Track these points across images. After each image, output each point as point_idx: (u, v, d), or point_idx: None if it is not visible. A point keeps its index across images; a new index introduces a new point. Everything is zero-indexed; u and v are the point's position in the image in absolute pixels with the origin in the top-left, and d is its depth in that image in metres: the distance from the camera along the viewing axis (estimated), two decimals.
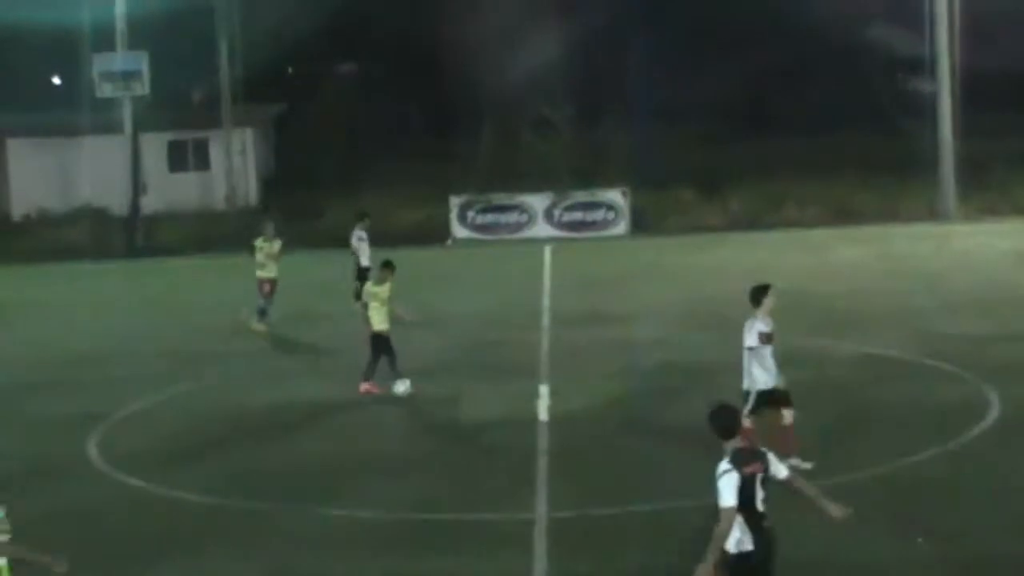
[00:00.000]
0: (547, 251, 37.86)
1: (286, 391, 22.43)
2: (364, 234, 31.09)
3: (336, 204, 46.50)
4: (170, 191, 49.44)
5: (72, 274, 41.12)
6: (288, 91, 58.84)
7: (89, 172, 49.80)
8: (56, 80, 62.22)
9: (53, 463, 18.50)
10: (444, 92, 54.53)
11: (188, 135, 52.03)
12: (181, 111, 54.53)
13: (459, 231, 43.69)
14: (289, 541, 14.86)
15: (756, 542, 10.61)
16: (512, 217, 43.77)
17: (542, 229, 43.16)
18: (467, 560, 14.02)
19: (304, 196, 47.57)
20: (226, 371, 24.45)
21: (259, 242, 28.82)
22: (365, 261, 30.20)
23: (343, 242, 43.53)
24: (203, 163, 51.82)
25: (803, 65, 54.58)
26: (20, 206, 50.80)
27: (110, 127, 48.60)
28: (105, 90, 47.58)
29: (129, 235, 46.38)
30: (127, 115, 47.93)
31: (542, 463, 17.32)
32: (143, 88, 47.22)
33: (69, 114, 50.01)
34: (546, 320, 27.32)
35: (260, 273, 28.52)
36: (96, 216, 48.31)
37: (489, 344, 22.07)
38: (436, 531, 15.07)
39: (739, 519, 10.49)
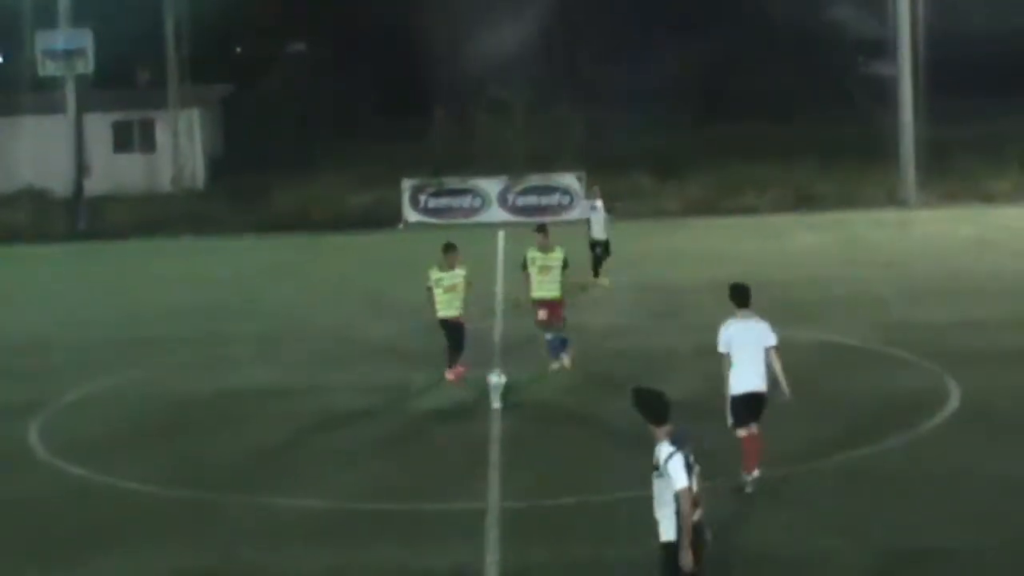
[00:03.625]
0: (501, 236, 37.44)
1: (233, 378, 22.07)
2: (598, 203, 29.85)
3: (285, 186, 46.02)
4: (115, 172, 48.81)
5: (12, 257, 40.48)
6: (236, 71, 58.19)
7: (31, 153, 49.10)
8: None
9: None
10: (396, 73, 54.06)
11: (133, 115, 51.41)
12: (126, 91, 53.84)
13: (411, 215, 43.21)
14: (235, 531, 14.56)
15: (693, 536, 10.21)
16: (465, 201, 43.32)
17: (496, 213, 42.74)
18: (418, 550, 13.75)
19: (253, 178, 47.00)
20: (172, 358, 24.01)
21: (531, 252, 21.47)
22: (596, 234, 29.34)
23: (292, 225, 43.39)
24: (149, 144, 51.17)
25: (762, 47, 54.41)
26: None
27: (52, 107, 47.85)
28: (48, 68, 46.70)
29: (72, 217, 45.65)
30: (70, 94, 47.08)
31: (494, 452, 17.06)
32: (87, 66, 46.35)
33: (10, 93, 49.21)
34: (500, 307, 26.89)
35: (538, 293, 21.20)
36: (38, 198, 47.66)
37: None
38: (386, 521, 14.80)
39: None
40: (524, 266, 21.32)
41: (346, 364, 22.83)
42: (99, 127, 49.80)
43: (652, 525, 13.90)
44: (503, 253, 34.79)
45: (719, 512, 14.41)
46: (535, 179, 43.32)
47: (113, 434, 18.81)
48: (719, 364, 17.57)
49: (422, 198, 43.34)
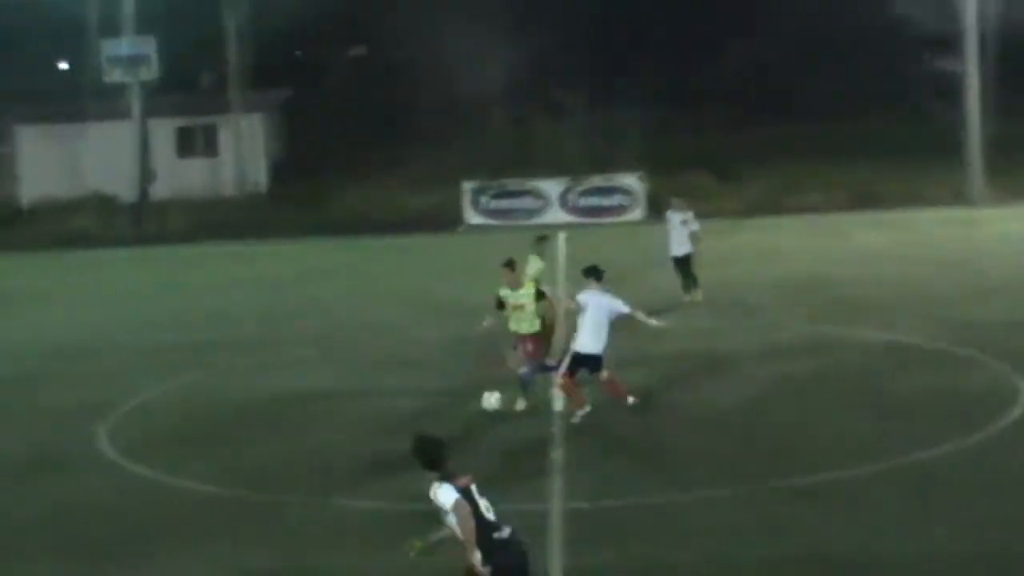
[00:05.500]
0: (561, 237, 37.38)
1: (295, 381, 22.13)
2: (675, 217, 27.58)
3: (346, 189, 46.23)
4: (178, 177, 49.20)
5: (79, 262, 40.92)
6: (298, 75, 58.47)
7: (97, 159, 49.55)
8: (64, 65, 61.93)
9: (62, 454, 18.36)
10: (456, 75, 54.06)
11: (196, 120, 51.73)
12: (189, 96, 54.29)
13: (471, 217, 43.25)
14: (298, 533, 14.62)
15: (496, 558, 10.24)
16: (526, 202, 43.30)
17: (557, 215, 42.68)
18: None
19: (314, 182, 47.25)
20: (235, 359, 24.16)
21: (503, 290, 19.45)
22: (674, 250, 27.38)
23: (353, 228, 43.55)
24: (211, 149, 51.51)
25: (824, 45, 53.80)
26: (29, 193, 50.55)
27: (118, 113, 48.35)
28: (113, 75, 47.31)
29: (137, 222, 46.11)
30: (135, 101, 47.59)
31: (556, 454, 16.97)
32: (151, 73, 46.91)
33: (77, 100, 49.76)
34: (561, 308, 26.76)
35: (514, 327, 19.43)
36: (104, 203, 48.13)
37: (502, 333, 21.56)
38: None
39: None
40: (499, 305, 19.41)
41: (406, 366, 22.82)
42: (163, 133, 50.29)
43: (713, 526, 13.98)
44: (563, 254, 34.76)
45: (779, 512, 14.33)
46: (596, 180, 43.22)
47: (179, 435, 18.96)
48: (782, 367, 17.62)
49: (482, 200, 43.36)
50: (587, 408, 18.15)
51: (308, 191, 46.66)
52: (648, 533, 13.98)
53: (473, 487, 10.38)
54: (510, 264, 19.50)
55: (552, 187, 43.28)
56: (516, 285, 19.26)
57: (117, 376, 23.13)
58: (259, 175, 50.65)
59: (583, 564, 13.12)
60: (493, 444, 17.81)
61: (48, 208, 48.65)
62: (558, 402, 19.06)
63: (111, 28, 47.40)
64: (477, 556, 10.20)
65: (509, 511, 14.65)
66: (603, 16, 52.58)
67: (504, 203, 43.30)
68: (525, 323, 19.14)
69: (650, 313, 19.38)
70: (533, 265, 21.88)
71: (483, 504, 10.37)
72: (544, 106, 48.83)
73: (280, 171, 52.45)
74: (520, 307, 19.12)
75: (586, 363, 18.21)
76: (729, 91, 50.66)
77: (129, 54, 46.78)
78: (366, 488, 15.95)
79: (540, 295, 19.31)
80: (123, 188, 48.05)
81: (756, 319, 25.52)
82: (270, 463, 17.36)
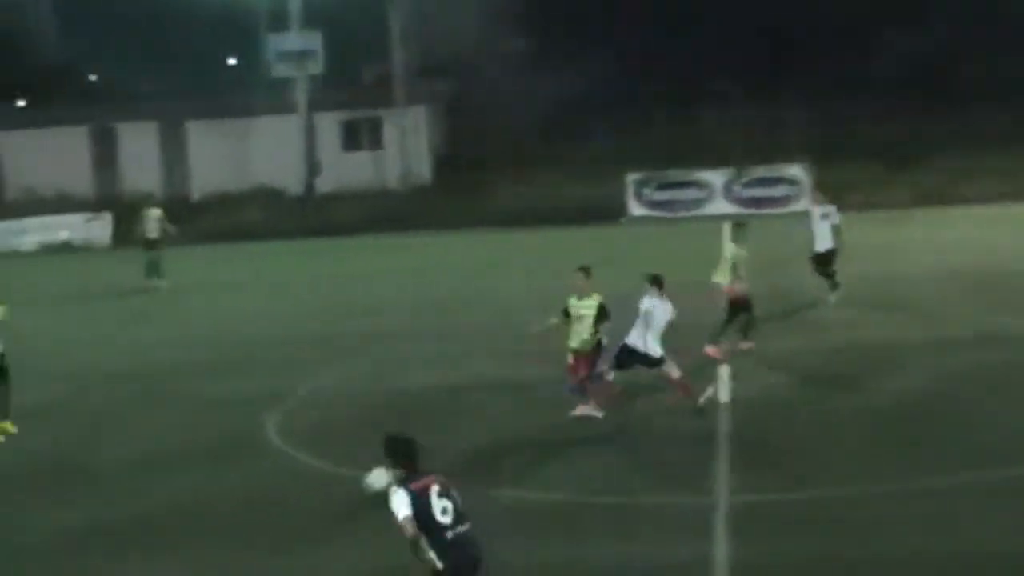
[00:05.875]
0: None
1: (456, 370, 22.23)
2: (817, 211, 26.22)
3: (509, 181, 46.35)
4: (343, 170, 49.86)
5: (247, 254, 41.74)
6: (462, 68, 58.80)
7: (264, 152, 50.50)
8: (232, 61, 63.23)
9: (234, 442, 18.61)
10: (617, 67, 53.93)
11: (361, 114, 52.38)
12: (354, 89, 55.02)
13: (635, 208, 43.03)
14: None
15: (448, 558, 10.19)
16: (690, 193, 42.94)
17: (721, 205, 42.23)
18: (643, 546, 13.52)
19: (477, 173, 47.49)
20: (397, 350, 24.36)
21: (571, 299, 18.45)
22: (817, 245, 25.91)
23: (516, 220, 43.65)
24: (376, 142, 52.10)
25: (1002, 30, 52.16)
26: (199, 187, 51.74)
27: (284, 107, 49.19)
28: (280, 70, 48.17)
29: (303, 215, 46.84)
30: (301, 95, 48.37)
31: (722, 446, 16.76)
32: (317, 67, 47.70)
33: (245, 95, 50.75)
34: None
35: (570, 343, 18.59)
36: (271, 196, 48.98)
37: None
38: (610, 515, 14.62)
39: (424, 538, 10.18)
40: (565, 313, 18.46)
41: (565, 358, 22.69)
42: (328, 126, 51.06)
43: (879, 521, 13.61)
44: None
45: (948, 508, 13.87)
46: (760, 170, 42.67)
47: (342, 425, 19.07)
48: (953, 360, 17.01)
49: (646, 191, 43.11)
50: (599, 414, 18.15)
51: (471, 183, 46.92)
52: (814, 527, 13.72)
53: (434, 488, 10.30)
54: (585, 270, 18.53)
55: (716, 178, 42.86)
56: (585, 294, 18.33)
57: (283, 366, 23.42)
58: (422, 168, 51.08)
59: (750, 558, 12.91)
60: (659, 436, 17.67)
61: (217, 201, 49.76)
62: (725, 393, 18.80)
63: (278, 23, 48.28)
64: (430, 555, 10.24)
65: (673, 504, 14.65)
66: (769, 6, 51.81)
67: (667, 194, 43.05)
68: (579, 337, 18.22)
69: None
70: (729, 251, 21.74)
71: (439, 506, 10.28)
72: (708, 98, 48.35)
73: (443, 164, 52.82)
74: (580, 318, 18.19)
75: (636, 356, 17.95)
76: (899, 79, 49.47)
77: (296, 49, 47.62)
78: (532, 479, 15.89)
79: (603, 313, 18.20)
80: (289, 181, 48.89)
81: (927, 311, 24.92)
82: (434, 452, 17.26)
